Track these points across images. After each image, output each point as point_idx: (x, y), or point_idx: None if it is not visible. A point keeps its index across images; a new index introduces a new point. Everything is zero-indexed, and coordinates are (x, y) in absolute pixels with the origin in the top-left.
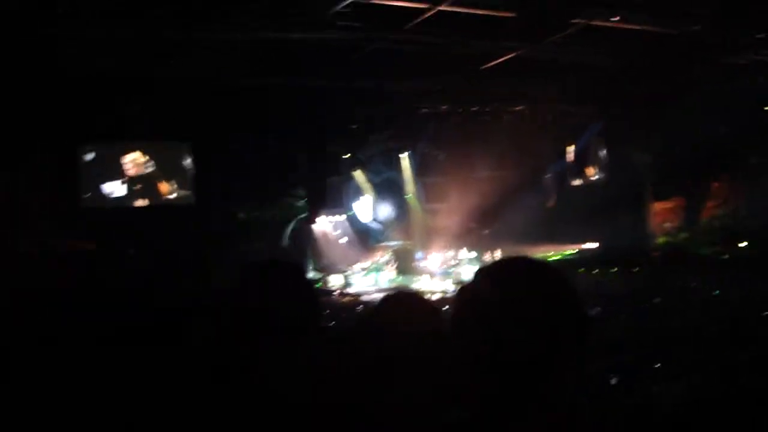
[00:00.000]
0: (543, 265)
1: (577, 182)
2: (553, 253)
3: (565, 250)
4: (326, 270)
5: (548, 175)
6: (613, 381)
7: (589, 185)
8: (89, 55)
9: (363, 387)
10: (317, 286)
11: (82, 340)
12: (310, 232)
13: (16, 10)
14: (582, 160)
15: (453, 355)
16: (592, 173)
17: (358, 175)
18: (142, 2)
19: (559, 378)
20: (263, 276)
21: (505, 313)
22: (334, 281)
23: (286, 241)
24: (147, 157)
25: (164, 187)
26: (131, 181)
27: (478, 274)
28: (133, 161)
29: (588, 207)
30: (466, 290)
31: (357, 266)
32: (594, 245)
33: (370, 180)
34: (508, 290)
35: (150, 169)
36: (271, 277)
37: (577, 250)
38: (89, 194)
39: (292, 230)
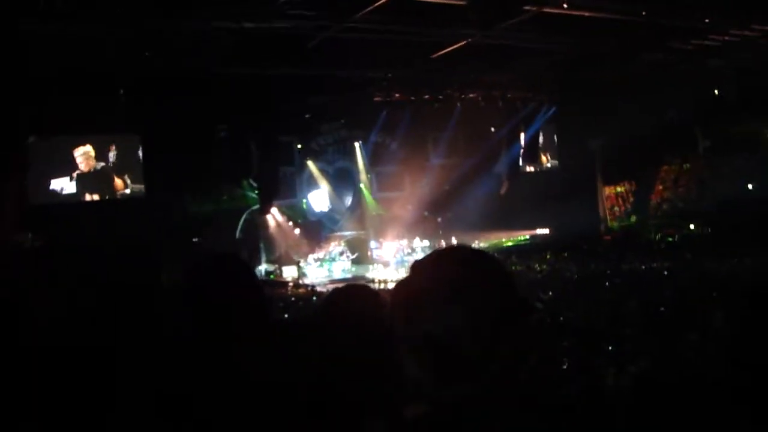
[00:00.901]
0: (478, 253)
1: (529, 169)
2: (505, 239)
3: (518, 236)
4: (280, 261)
5: (501, 162)
6: (564, 365)
7: (541, 171)
8: (43, 49)
9: (315, 382)
10: (271, 277)
11: (40, 339)
12: (263, 223)
13: None
14: (534, 147)
15: (398, 348)
16: (544, 160)
17: (311, 165)
18: None
19: (502, 364)
20: (208, 271)
21: (440, 302)
22: (288, 272)
23: (238, 233)
24: (100, 149)
25: (118, 182)
26: (82, 177)
27: (413, 266)
28: (85, 154)
29: (540, 193)
30: (402, 283)
31: (311, 257)
32: (547, 231)
33: (322, 170)
34: (443, 280)
35: (102, 164)
36: (215, 273)
37: (529, 236)
38: (38, 190)
39: (245, 221)
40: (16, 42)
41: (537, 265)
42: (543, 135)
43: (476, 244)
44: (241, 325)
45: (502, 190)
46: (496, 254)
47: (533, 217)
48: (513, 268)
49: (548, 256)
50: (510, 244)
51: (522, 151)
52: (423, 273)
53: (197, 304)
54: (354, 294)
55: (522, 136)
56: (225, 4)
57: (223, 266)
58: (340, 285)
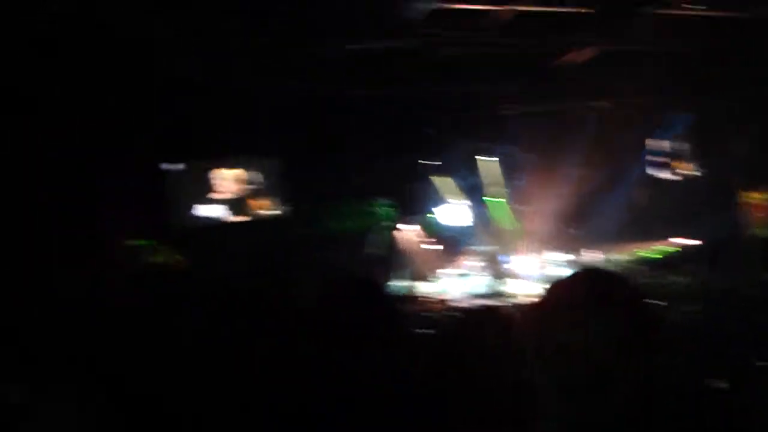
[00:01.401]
0: (610, 273)
1: (666, 177)
2: (643, 250)
3: (655, 247)
4: (413, 277)
5: (636, 171)
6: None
7: (679, 179)
8: (186, 69)
9: (449, 398)
10: (405, 293)
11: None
12: (396, 238)
13: (114, 19)
14: (671, 154)
15: (529, 363)
16: (682, 166)
17: (444, 181)
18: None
19: (632, 379)
20: (340, 292)
21: (574, 318)
22: (422, 288)
23: (373, 248)
24: (245, 173)
25: (260, 204)
26: (225, 200)
27: (550, 287)
28: (229, 177)
29: (678, 202)
30: (539, 301)
31: (445, 272)
32: (686, 241)
33: (455, 185)
34: (577, 298)
35: (247, 187)
36: (347, 294)
37: (668, 246)
38: (182, 213)
39: (380, 237)
40: (159, 72)
41: (677, 277)
42: (680, 141)
43: (612, 256)
44: (370, 345)
45: (638, 200)
46: (633, 265)
47: (672, 226)
48: (650, 280)
49: (688, 268)
50: (647, 255)
51: (658, 158)
52: (559, 292)
53: (327, 326)
54: (486, 317)
55: (657, 143)
56: (349, 25)
57: (353, 288)
58: (473, 305)
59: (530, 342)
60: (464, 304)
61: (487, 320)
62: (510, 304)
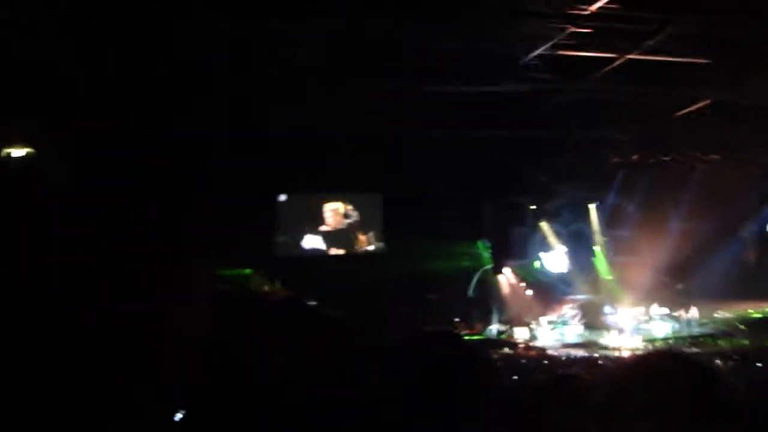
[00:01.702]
0: (682, 360)
1: None
2: (753, 310)
3: (765, 307)
4: (511, 322)
5: (748, 227)
6: None
7: None
8: (286, 112)
9: None
10: (502, 337)
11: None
12: (495, 282)
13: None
14: None
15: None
16: None
17: (545, 226)
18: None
19: None
20: (424, 345)
21: (639, 402)
22: (519, 334)
23: (471, 291)
24: (347, 207)
25: (362, 238)
26: (329, 232)
27: (621, 363)
28: (335, 211)
29: None
30: (612, 377)
31: (542, 319)
32: None
33: (556, 231)
34: (652, 387)
35: (349, 221)
36: (431, 348)
37: None
38: (287, 244)
39: (478, 280)
40: (262, 105)
41: None
42: None
43: (719, 314)
44: (457, 398)
45: (750, 257)
46: (741, 326)
47: None
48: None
49: None
50: (758, 315)
51: None
52: (631, 372)
53: (409, 376)
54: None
55: None
56: (464, 68)
57: (440, 342)
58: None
59: (601, 411)
60: (555, 353)
61: (570, 380)
62: (601, 356)
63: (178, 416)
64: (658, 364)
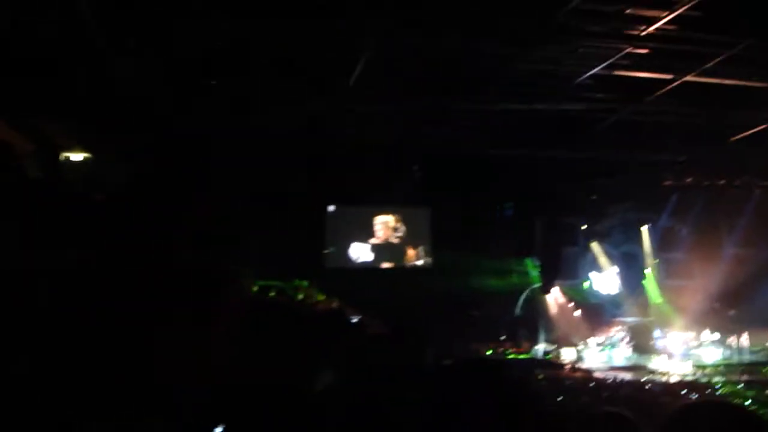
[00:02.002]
0: (736, 412)
1: None
2: None
3: None
4: (558, 342)
5: None
6: None
7: None
8: (337, 124)
9: None
10: (548, 357)
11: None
12: (543, 302)
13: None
14: None
15: None
16: None
17: (595, 247)
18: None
19: None
20: (461, 378)
21: None
22: (566, 354)
23: (519, 309)
24: (397, 221)
25: (411, 253)
26: (378, 245)
27: (679, 414)
28: (385, 224)
29: None
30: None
31: (590, 341)
32: None
33: (607, 252)
34: None
35: (398, 234)
36: (468, 381)
37: None
38: (336, 255)
39: (526, 299)
40: (313, 119)
41: None
42: None
43: None
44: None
45: None
46: None
47: None
48: None
49: None
50: None
51: None
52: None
53: (440, 407)
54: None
55: None
56: (517, 85)
57: (473, 375)
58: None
59: None
60: (602, 375)
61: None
62: (649, 381)
63: (218, 430)
64: (713, 417)
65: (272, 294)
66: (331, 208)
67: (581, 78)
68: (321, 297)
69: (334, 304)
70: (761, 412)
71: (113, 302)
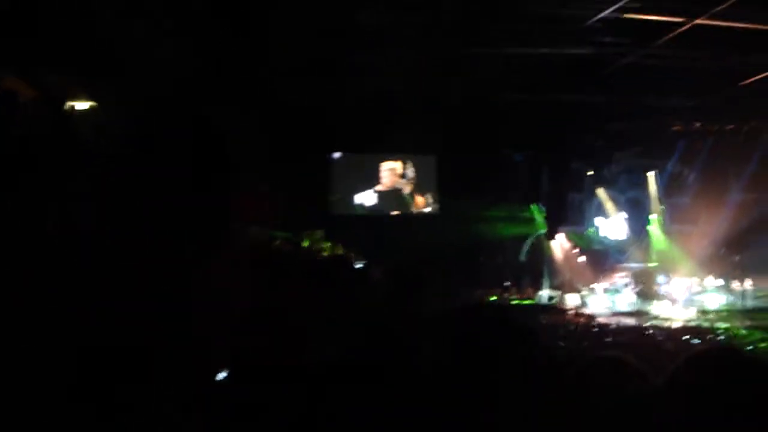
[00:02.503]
0: (752, 360)
1: None
2: None
3: None
4: (562, 288)
5: None
6: None
7: None
8: (349, 75)
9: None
10: (553, 302)
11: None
12: (548, 248)
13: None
14: None
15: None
16: None
17: (601, 193)
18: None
19: None
20: (464, 323)
21: (709, 410)
22: (570, 300)
23: (523, 255)
24: (405, 167)
25: (420, 200)
26: (384, 192)
27: (684, 363)
28: (391, 170)
29: None
30: (672, 381)
31: (594, 286)
32: None
33: (613, 198)
34: (712, 387)
35: (405, 181)
36: (473, 326)
37: None
38: (342, 202)
39: (531, 245)
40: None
41: None
42: None
43: None
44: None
45: None
46: None
47: None
48: None
49: None
50: None
51: None
52: (692, 374)
53: (449, 349)
54: (610, 366)
55: None
56: (525, 29)
57: (481, 318)
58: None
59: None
60: (605, 320)
61: (615, 364)
62: (651, 326)
63: (220, 376)
64: (718, 364)
65: (277, 242)
66: (337, 155)
67: (590, 21)
68: (327, 244)
69: (339, 252)
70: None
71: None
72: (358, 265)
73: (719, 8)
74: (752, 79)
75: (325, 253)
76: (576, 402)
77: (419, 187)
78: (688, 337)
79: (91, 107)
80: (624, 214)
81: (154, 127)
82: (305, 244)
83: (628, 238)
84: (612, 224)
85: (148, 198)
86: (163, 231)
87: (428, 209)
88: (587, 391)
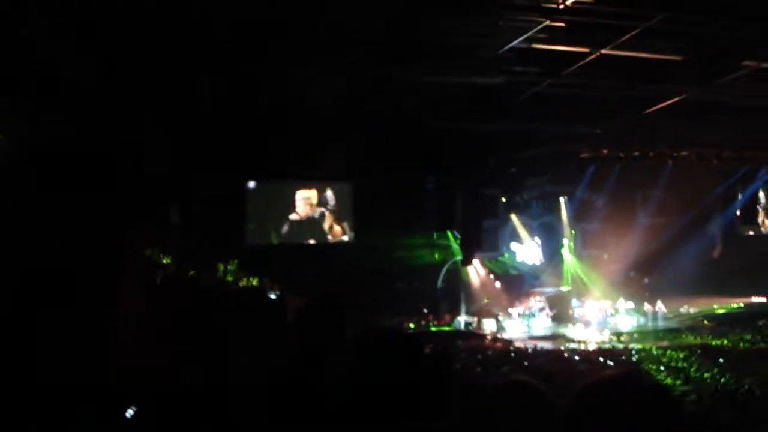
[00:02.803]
0: (650, 388)
1: (747, 232)
2: (717, 305)
3: (731, 304)
4: (479, 314)
5: (714, 224)
6: None
7: (761, 235)
8: (261, 93)
9: None
10: (470, 328)
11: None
12: (464, 274)
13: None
14: (753, 209)
15: None
16: (766, 223)
17: (515, 219)
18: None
19: None
20: (377, 349)
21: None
22: (487, 325)
23: (440, 282)
24: (321, 195)
25: (337, 229)
26: (299, 221)
27: (581, 391)
28: (306, 199)
29: (759, 259)
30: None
31: (510, 311)
32: (766, 299)
33: (526, 224)
34: (611, 411)
35: (320, 209)
36: (385, 352)
37: (745, 304)
38: (256, 232)
39: (447, 271)
40: (234, 88)
41: (754, 337)
42: (764, 196)
43: (685, 309)
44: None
45: (716, 254)
46: (706, 321)
47: (750, 283)
48: (725, 339)
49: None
50: (722, 311)
51: (739, 213)
52: (593, 397)
53: (360, 375)
54: (518, 392)
55: (739, 196)
56: (436, 58)
57: (396, 346)
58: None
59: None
60: (522, 345)
61: (526, 390)
62: (567, 350)
63: (129, 413)
64: (620, 391)
65: (192, 273)
66: (252, 184)
67: (501, 50)
68: (241, 275)
69: (254, 282)
70: (672, 380)
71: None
72: (272, 296)
73: (623, 39)
74: (656, 107)
75: (241, 284)
76: (482, 424)
77: (337, 216)
78: (602, 359)
79: None
80: (538, 240)
81: (59, 156)
82: (219, 274)
83: (543, 263)
84: (527, 249)
85: (48, 227)
86: (63, 260)
87: (346, 238)
88: (494, 415)
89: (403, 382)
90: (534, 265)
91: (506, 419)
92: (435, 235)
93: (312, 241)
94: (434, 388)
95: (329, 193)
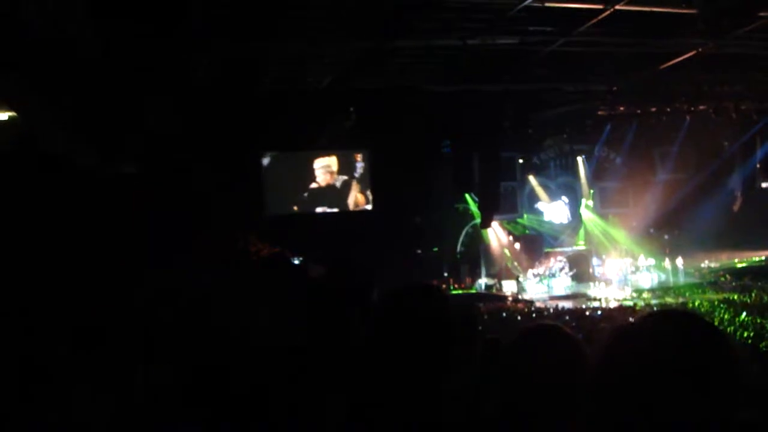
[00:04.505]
0: (703, 324)
1: (766, 185)
2: (738, 260)
3: (752, 257)
4: (499, 276)
5: (734, 178)
6: None
7: None
8: (274, 67)
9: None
10: (491, 291)
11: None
12: (484, 237)
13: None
14: None
15: (591, 411)
16: None
17: (533, 180)
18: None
19: None
20: (403, 303)
21: (655, 377)
22: (507, 287)
23: (460, 246)
24: (334, 162)
25: (360, 198)
26: (318, 190)
27: (629, 328)
28: (326, 167)
29: None
30: (615, 345)
31: (530, 272)
32: None
33: (544, 185)
34: (661, 352)
35: (343, 177)
36: (410, 305)
37: (764, 257)
38: (275, 202)
39: (466, 235)
40: (248, 61)
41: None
42: None
43: (706, 264)
44: (434, 358)
45: (736, 207)
46: (727, 275)
47: None
48: (748, 293)
49: None
50: (743, 265)
51: (758, 165)
52: (641, 339)
53: (392, 330)
54: (546, 336)
55: (758, 149)
56: (450, 21)
57: (421, 295)
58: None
59: (595, 386)
60: (543, 305)
61: (553, 337)
62: (588, 308)
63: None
64: (678, 327)
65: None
66: (266, 160)
67: (513, 11)
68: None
69: (277, 250)
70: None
71: None
72: (296, 262)
73: None
74: (672, 62)
75: (263, 253)
76: (513, 365)
77: (359, 182)
78: (624, 315)
79: (11, 117)
80: (565, 198)
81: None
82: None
83: (561, 224)
84: (554, 209)
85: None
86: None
87: (369, 206)
88: (524, 355)
89: (431, 331)
90: (562, 224)
91: (534, 361)
92: (453, 199)
93: (331, 210)
94: (461, 336)
95: (359, 162)
